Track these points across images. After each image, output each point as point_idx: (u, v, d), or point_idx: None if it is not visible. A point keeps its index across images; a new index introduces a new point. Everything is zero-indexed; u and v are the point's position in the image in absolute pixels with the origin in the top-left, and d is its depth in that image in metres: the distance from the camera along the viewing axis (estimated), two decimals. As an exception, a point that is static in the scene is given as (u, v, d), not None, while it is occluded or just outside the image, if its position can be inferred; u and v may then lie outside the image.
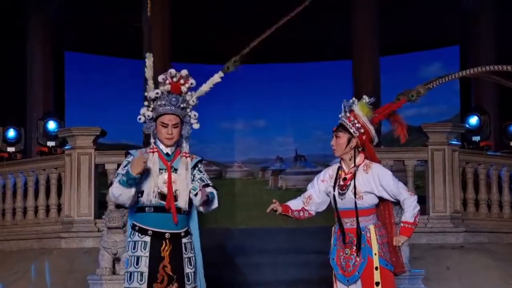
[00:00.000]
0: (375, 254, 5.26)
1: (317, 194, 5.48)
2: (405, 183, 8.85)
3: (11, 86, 13.58)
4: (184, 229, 5.16)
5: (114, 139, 12.37)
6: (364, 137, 5.34)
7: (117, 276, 7.98)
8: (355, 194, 5.27)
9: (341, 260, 5.33)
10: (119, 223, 7.98)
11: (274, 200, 5.47)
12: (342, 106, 5.39)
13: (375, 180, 5.28)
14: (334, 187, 5.37)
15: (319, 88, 16.01)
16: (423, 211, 9.18)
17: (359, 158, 5.35)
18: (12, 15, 13.67)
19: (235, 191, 16.15)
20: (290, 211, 5.49)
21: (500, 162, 10.08)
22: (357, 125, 5.33)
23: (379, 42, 13.58)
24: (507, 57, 6.92)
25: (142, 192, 5.09)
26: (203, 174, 5.24)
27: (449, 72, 5.52)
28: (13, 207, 10.16)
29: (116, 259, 8.12)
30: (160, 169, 5.11)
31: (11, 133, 11.59)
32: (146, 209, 5.11)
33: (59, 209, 9.81)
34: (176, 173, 5.13)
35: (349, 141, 5.33)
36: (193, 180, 5.16)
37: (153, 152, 5.13)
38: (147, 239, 5.08)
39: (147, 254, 5.07)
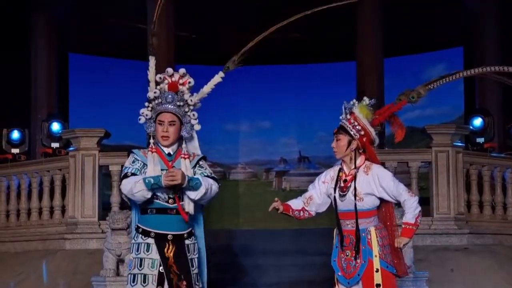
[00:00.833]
0: (376, 256, 5.24)
1: (318, 195, 5.47)
2: (409, 185, 8.87)
3: (16, 87, 13.60)
4: (187, 231, 5.14)
5: (117, 140, 12.37)
6: (364, 139, 5.32)
7: (121, 277, 7.96)
8: (355, 195, 5.26)
9: (342, 262, 5.32)
10: (123, 225, 7.96)
11: (276, 199, 5.47)
12: (343, 108, 5.38)
13: (375, 181, 5.27)
14: (335, 189, 5.36)
15: (323, 89, 16.00)
16: (427, 212, 9.17)
17: (360, 159, 5.34)
18: (17, 17, 13.70)
19: (239, 192, 16.16)
20: (290, 210, 5.49)
21: (504, 164, 10.06)
22: (357, 127, 5.32)
23: (383, 44, 13.58)
24: (511, 58, 6.91)
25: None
26: (205, 169, 5.20)
27: (449, 73, 5.49)
28: (17, 208, 10.18)
29: (120, 261, 8.11)
30: (161, 169, 5.08)
31: (15, 134, 11.59)
32: (149, 211, 5.10)
33: (63, 210, 9.83)
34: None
35: (349, 143, 5.32)
36: None
37: (151, 151, 5.10)
38: (150, 241, 5.07)
39: (150, 256, 5.05)
